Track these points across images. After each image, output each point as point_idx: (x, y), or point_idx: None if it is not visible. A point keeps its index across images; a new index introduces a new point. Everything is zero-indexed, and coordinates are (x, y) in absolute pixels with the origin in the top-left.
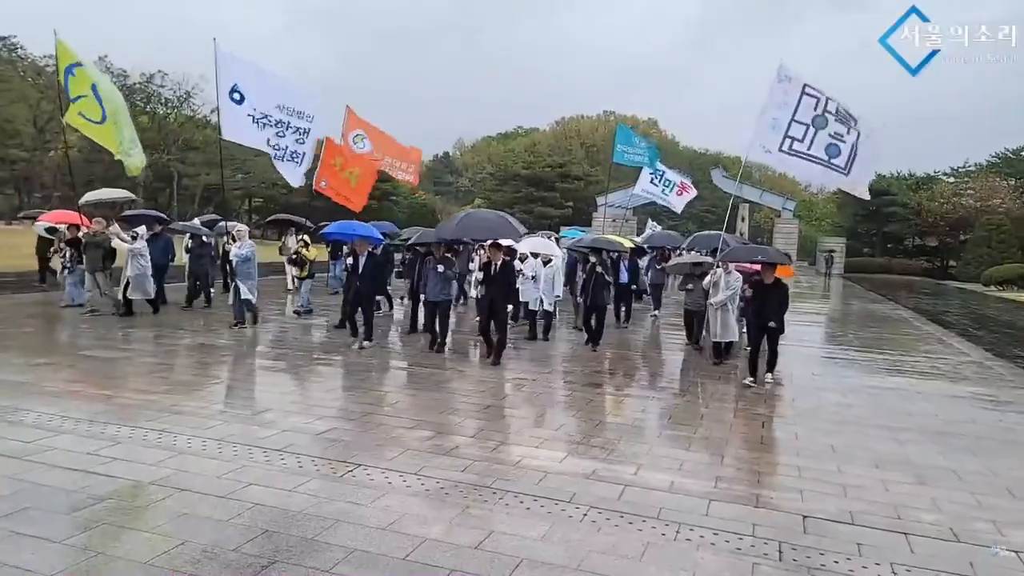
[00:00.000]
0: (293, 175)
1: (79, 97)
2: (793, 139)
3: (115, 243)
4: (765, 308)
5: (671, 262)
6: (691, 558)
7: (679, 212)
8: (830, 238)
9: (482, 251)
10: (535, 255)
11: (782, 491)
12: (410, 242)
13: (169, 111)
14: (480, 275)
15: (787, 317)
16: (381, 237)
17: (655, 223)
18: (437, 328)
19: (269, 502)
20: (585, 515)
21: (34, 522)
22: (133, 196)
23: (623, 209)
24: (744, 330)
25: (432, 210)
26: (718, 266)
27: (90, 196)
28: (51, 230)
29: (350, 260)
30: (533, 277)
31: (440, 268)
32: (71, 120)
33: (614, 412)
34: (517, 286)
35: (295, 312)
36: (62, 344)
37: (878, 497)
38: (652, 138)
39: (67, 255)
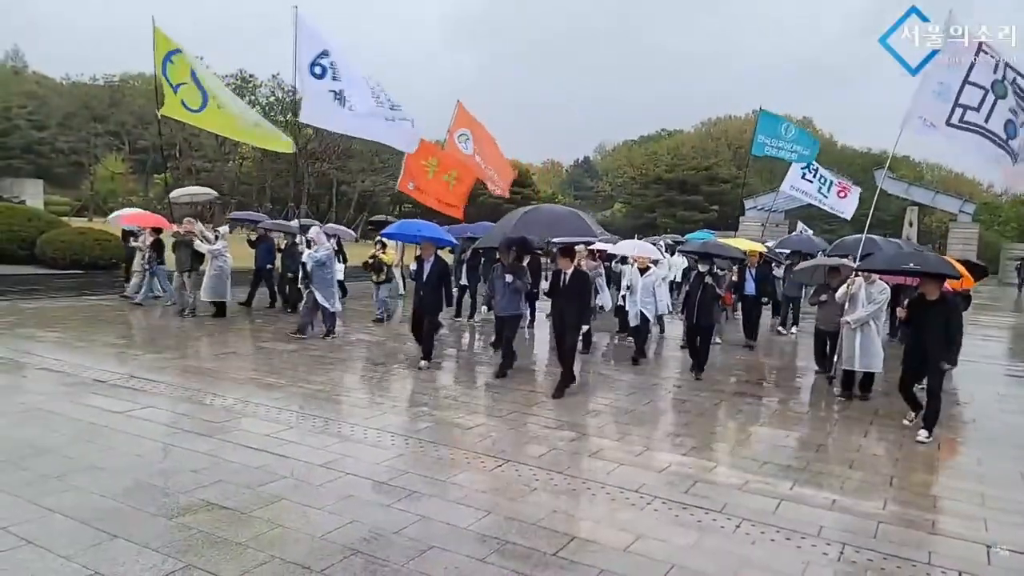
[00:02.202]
0: (408, 139)
1: (180, 85)
2: (966, 107)
3: (196, 244)
4: (924, 334)
5: (799, 266)
6: None
7: (848, 218)
8: (1019, 244)
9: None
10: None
11: (962, 518)
12: (474, 245)
13: None
14: (547, 286)
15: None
16: (451, 239)
17: (806, 227)
18: (512, 347)
19: (425, 490)
20: (738, 527)
21: (226, 496)
22: (217, 194)
23: (766, 212)
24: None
25: None
26: (857, 273)
27: (177, 193)
28: (130, 233)
29: (413, 266)
30: (628, 287)
31: (508, 278)
32: (171, 112)
33: (763, 425)
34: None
35: (375, 320)
36: (233, 339)
37: None
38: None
39: (146, 256)
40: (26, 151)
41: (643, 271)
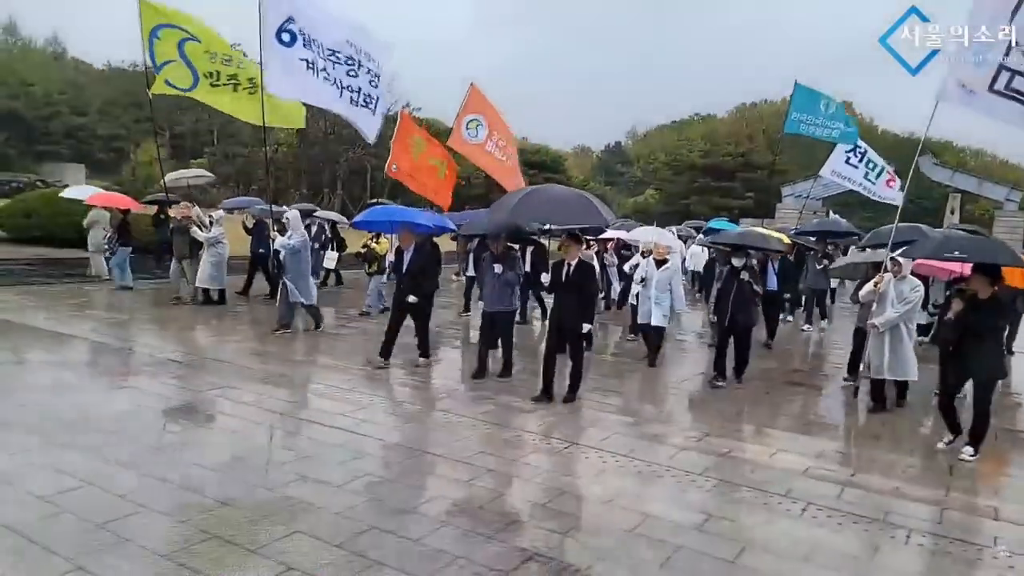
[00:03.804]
0: (369, 125)
1: (166, 63)
2: (1014, 72)
3: (193, 231)
4: (968, 343)
5: (838, 262)
6: (931, 563)
7: (899, 205)
8: None
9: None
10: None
11: None
12: (460, 232)
13: None
14: (548, 278)
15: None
16: (430, 225)
17: (840, 217)
18: (499, 345)
19: (500, 469)
20: (804, 510)
21: (317, 470)
22: (213, 176)
23: (804, 199)
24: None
25: (603, 202)
26: (886, 269)
27: (174, 176)
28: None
29: (391, 257)
30: (643, 280)
31: (497, 268)
32: (159, 90)
33: (818, 414)
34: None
35: (361, 312)
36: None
37: None
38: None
39: (107, 237)
40: (67, 136)
41: (660, 263)
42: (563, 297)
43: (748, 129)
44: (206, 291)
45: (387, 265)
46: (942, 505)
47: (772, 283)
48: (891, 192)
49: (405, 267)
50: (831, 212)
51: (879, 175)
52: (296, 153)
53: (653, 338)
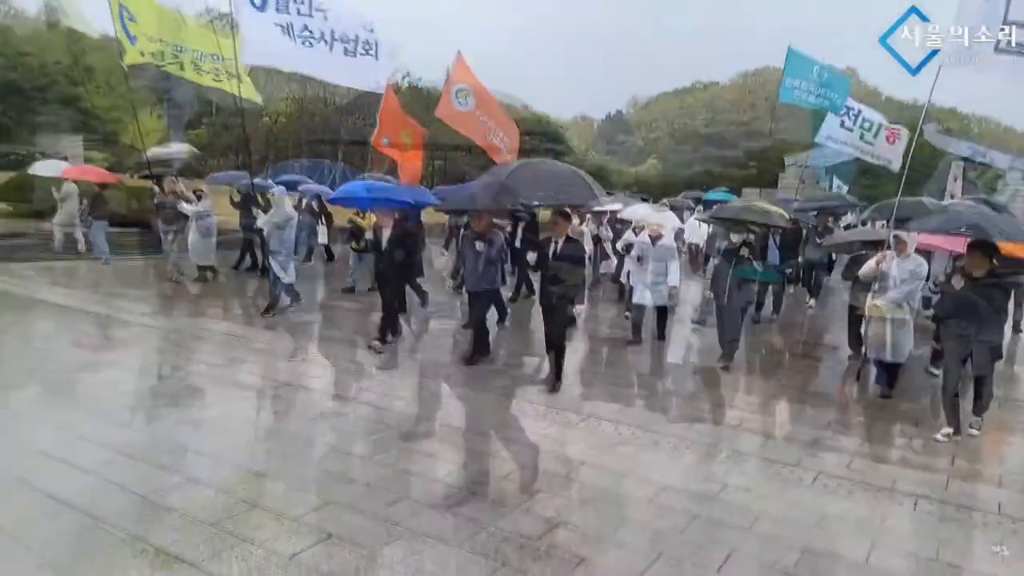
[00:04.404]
0: (369, 74)
1: (131, 36)
2: (1014, 24)
3: (180, 206)
4: (968, 317)
5: (834, 237)
6: (939, 529)
7: (896, 168)
8: None
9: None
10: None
11: None
12: (440, 206)
13: None
14: (533, 257)
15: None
16: (408, 202)
17: (841, 183)
18: (485, 331)
19: (521, 441)
20: (815, 479)
21: (350, 444)
22: (196, 151)
23: (803, 168)
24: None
25: (604, 172)
26: (888, 246)
27: (155, 151)
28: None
29: (370, 235)
30: (639, 258)
31: (480, 246)
32: (133, 59)
33: (823, 387)
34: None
35: (370, 288)
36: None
37: None
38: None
39: (82, 209)
40: (65, 106)
41: (655, 240)
42: (550, 276)
43: (751, 97)
44: (202, 268)
45: (365, 243)
46: (948, 473)
47: (774, 257)
48: (891, 150)
49: (384, 244)
50: (836, 180)
51: (876, 134)
52: (295, 123)
53: (657, 317)
